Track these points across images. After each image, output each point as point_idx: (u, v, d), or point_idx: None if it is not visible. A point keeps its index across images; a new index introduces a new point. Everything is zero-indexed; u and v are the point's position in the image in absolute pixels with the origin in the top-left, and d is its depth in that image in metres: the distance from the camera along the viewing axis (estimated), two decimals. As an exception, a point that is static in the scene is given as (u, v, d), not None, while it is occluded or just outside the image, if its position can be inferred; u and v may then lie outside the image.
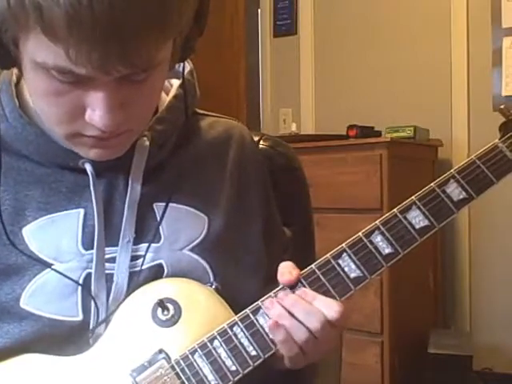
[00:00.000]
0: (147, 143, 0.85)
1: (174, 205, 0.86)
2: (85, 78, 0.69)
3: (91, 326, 0.80)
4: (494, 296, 2.84)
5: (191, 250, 0.85)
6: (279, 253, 0.94)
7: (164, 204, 0.85)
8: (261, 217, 0.94)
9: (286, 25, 3.43)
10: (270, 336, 0.79)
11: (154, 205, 0.85)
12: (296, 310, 0.78)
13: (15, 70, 0.85)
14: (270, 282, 0.84)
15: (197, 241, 0.86)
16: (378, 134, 2.71)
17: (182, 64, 0.86)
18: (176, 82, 0.92)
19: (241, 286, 0.87)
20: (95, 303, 0.80)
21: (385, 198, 2.48)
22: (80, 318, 0.80)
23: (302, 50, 3.37)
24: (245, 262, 0.90)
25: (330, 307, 0.77)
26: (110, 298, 0.81)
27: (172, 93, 0.90)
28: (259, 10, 3.55)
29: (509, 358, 2.76)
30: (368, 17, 3.16)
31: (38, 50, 0.68)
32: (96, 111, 0.71)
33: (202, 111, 0.98)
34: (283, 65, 3.45)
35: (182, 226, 0.86)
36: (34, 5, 0.63)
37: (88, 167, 0.82)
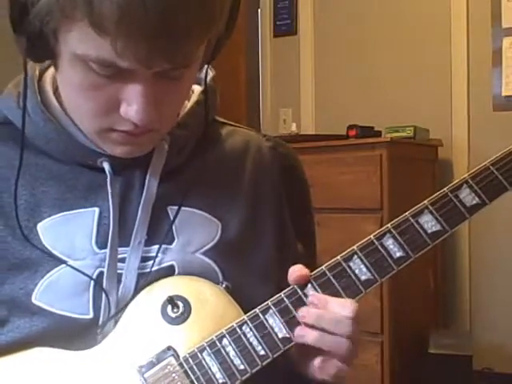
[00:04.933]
0: (166, 146, 0.85)
1: (188, 209, 0.86)
2: (124, 72, 0.70)
3: (100, 323, 0.80)
4: (493, 296, 2.84)
5: (203, 253, 0.85)
6: (291, 263, 0.91)
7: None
8: (274, 227, 0.94)
9: (286, 25, 3.43)
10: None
11: (169, 208, 0.85)
12: (324, 323, 0.77)
13: (38, 66, 0.86)
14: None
15: (210, 245, 0.86)
16: (378, 134, 2.71)
17: (204, 70, 0.87)
18: (197, 88, 0.92)
19: (251, 292, 0.86)
20: (108, 300, 0.80)
21: (385, 198, 2.47)
22: (91, 315, 0.80)
23: (302, 50, 3.37)
24: (256, 270, 0.89)
25: (344, 307, 0.77)
26: (118, 297, 0.81)
27: (194, 98, 0.91)
28: (259, 10, 3.55)
29: (509, 357, 2.77)
30: (368, 17, 3.16)
31: (80, 42, 0.68)
32: (133, 105, 0.72)
33: (221, 119, 0.99)
34: (283, 65, 3.45)
35: (195, 229, 0.86)
36: None
37: (106, 166, 0.82)
